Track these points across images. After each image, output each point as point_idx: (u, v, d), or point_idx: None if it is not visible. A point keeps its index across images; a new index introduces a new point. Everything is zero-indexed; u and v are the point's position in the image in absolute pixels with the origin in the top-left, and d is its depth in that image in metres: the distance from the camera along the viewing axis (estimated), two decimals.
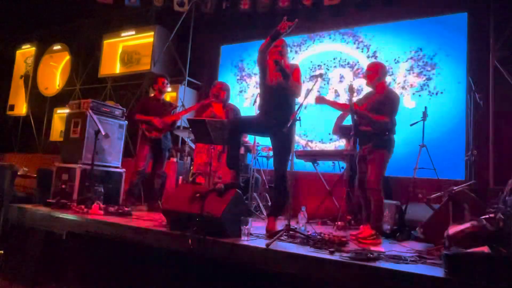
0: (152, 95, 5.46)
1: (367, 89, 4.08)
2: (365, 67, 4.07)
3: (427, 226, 3.49)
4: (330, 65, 6.51)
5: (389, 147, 3.64)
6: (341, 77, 6.38)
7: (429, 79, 5.68)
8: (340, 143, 5.98)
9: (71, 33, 9.60)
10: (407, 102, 5.78)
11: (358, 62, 6.28)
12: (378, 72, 3.78)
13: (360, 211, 3.86)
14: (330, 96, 6.38)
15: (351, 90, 3.69)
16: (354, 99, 3.85)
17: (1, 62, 10.65)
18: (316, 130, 6.38)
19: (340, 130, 4.61)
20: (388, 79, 5.94)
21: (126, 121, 5.65)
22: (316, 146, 6.40)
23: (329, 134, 6.01)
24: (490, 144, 4.94)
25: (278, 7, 6.45)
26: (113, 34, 8.51)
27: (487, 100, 4.94)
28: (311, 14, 6.69)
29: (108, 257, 3.56)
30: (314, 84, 3.42)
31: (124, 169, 5.49)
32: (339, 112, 4.30)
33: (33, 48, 10.27)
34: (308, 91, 3.42)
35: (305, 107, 3.27)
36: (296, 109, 3.35)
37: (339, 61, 6.46)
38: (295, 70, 3.58)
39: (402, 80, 5.86)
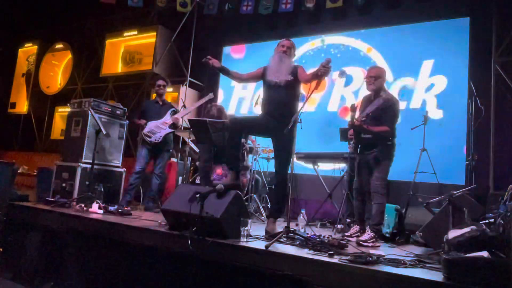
0: (153, 97, 5.49)
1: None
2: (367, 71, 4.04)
3: (426, 230, 3.49)
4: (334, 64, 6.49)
5: (392, 152, 3.66)
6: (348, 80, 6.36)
7: (430, 83, 5.68)
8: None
9: (73, 32, 9.63)
10: (408, 105, 5.78)
11: (360, 65, 6.28)
12: (382, 77, 3.73)
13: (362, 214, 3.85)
14: (335, 100, 6.39)
15: (353, 109, 3.66)
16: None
17: (3, 60, 10.68)
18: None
19: (342, 134, 4.64)
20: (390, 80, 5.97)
21: (127, 121, 5.65)
22: None
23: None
24: (491, 149, 4.95)
25: (280, 9, 6.45)
26: (115, 33, 8.53)
27: (488, 105, 4.94)
28: (313, 17, 6.70)
29: (107, 256, 3.56)
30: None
31: (124, 169, 5.50)
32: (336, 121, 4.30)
33: (35, 47, 10.30)
34: (309, 95, 3.42)
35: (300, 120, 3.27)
36: (298, 111, 3.35)
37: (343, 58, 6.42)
38: (300, 69, 3.59)
39: (404, 84, 5.86)
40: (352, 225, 4.06)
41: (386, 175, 3.63)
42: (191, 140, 5.37)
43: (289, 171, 3.46)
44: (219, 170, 4.83)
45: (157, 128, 4.94)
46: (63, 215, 4.02)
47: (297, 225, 4.02)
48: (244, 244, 2.95)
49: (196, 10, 7.28)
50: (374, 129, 3.55)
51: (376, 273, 2.36)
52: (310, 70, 3.51)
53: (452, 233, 2.61)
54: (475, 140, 4.94)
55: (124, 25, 8.55)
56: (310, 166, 5.49)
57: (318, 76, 3.22)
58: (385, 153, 3.60)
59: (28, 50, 10.55)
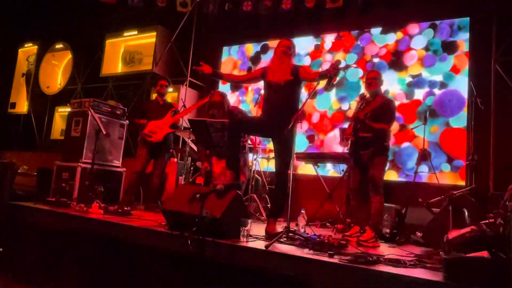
0: (154, 97, 5.47)
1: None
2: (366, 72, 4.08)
3: (427, 230, 3.49)
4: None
5: (387, 153, 3.75)
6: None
7: (430, 83, 5.68)
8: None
9: (73, 32, 9.62)
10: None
11: (360, 65, 6.28)
12: (381, 79, 3.88)
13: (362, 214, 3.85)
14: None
15: (362, 98, 3.74)
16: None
17: (3, 60, 10.67)
18: None
19: (342, 134, 4.65)
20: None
21: (127, 121, 5.65)
22: None
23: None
24: (491, 149, 4.94)
25: (280, 9, 6.45)
26: (115, 33, 8.54)
27: (488, 105, 4.94)
28: (313, 17, 6.69)
29: (107, 256, 3.56)
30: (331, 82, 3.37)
31: (124, 169, 5.49)
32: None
33: (35, 47, 10.29)
34: (310, 94, 3.43)
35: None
36: (298, 111, 3.35)
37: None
38: (302, 68, 3.59)
39: (403, 84, 5.86)
40: (352, 225, 4.06)
41: (383, 175, 3.70)
42: (191, 140, 5.37)
43: (289, 171, 3.46)
44: (218, 170, 4.81)
45: (157, 128, 4.94)
46: (63, 215, 4.02)
47: (297, 225, 4.02)
48: (244, 244, 2.95)
49: (196, 10, 7.27)
50: (375, 125, 3.65)
51: (376, 273, 2.36)
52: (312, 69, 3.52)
53: (452, 233, 2.62)
54: (475, 140, 4.95)
55: (124, 25, 8.55)
56: (310, 166, 5.49)
57: (327, 77, 3.24)
58: (381, 154, 3.68)
59: (28, 50, 10.54)
